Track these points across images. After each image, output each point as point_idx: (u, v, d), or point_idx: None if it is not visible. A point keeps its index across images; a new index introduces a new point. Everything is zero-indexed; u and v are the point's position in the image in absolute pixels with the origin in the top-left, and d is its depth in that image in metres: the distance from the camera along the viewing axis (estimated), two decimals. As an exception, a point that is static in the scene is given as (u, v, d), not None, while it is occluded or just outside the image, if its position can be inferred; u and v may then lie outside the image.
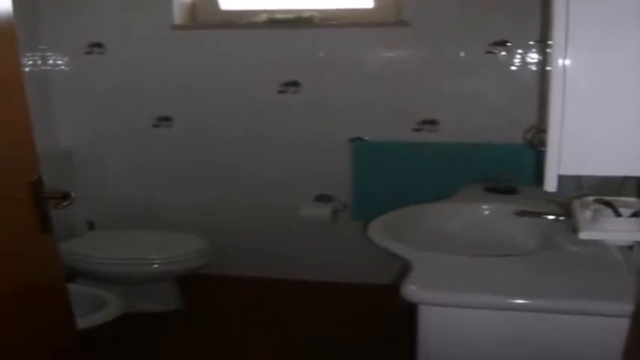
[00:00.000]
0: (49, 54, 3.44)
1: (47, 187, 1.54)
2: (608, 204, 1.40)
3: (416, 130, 3.15)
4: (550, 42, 1.25)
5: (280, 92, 3.24)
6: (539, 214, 1.89)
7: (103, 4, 3.33)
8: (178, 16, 3.31)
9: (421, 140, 3.14)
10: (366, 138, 3.21)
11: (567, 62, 1.22)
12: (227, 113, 3.34)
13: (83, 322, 2.03)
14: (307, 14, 3.20)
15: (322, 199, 3.36)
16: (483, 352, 1.51)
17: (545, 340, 1.45)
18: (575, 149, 1.26)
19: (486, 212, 2.24)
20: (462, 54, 3.02)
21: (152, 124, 3.43)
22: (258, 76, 3.25)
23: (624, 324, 1.36)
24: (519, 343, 1.47)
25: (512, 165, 2.79)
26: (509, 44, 2.96)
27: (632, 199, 1.45)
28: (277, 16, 3.22)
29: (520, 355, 1.48)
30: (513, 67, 2.98)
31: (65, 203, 1.60)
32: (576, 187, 1.77)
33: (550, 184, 1.29)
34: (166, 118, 3.42)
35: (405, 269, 1.63)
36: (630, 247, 1.52)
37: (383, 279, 3.15)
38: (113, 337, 2.70)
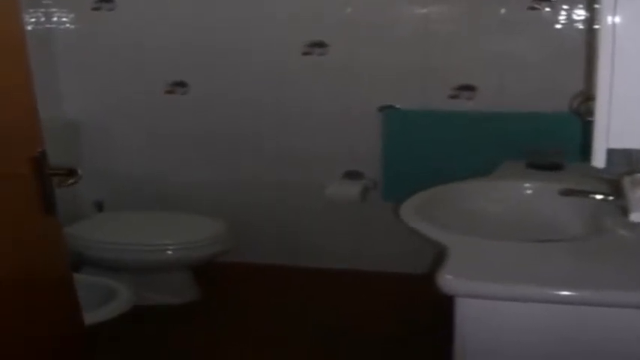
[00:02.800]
0: (53, 10, 3.41)
1: (51, 162, 1.51)
2: (663, 182, 1.36)
3: (452, 97, 3.10)
4: (598, -4, 1.21)
5: (305, 54, 3.20)
6: (586, 194, 1.84)
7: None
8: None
9: (458, 109, 3.09)
10: (398, 106, 3.17)
11: (617, 20, 1.19)
12: (247, 78, 3.30)
13: (90, 317, 2.03)
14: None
15: (351, 175, 3.32)
16: (525, 348, 1.49)
17: (592, 336, 1.42)
18: (626, 119, 1.24)
19: (529, 191, 2.21)
20: (503, 10, 2.96)
21: (165, 90, 3.41)
22: (281, 35, 3.21)
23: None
24: (565, 339, 1.44)
25: (556, 137, 2.75)
26: (553, -1, 2.89)
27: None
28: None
29: (566, 351, 1.45)
30: (558, 26, 2.91)
31: (71, 181, 1.58)
32: (627, 162, 1.72)
33: (598, 159, 1.27)
34: (181, 84, 3.40)
35: (440, 256, 1.61)
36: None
37: (417, 267, 3.12)
38: (121, 332, 2.71)
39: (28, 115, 1.48)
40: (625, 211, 1.40)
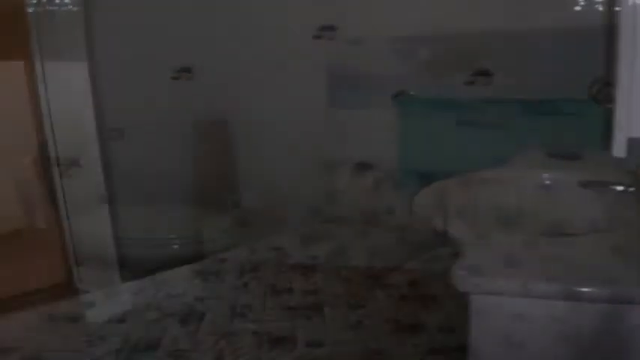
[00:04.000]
0: None
1: (53, 153, 1.50)
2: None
3: (468, 83, 3.09)
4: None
5: (316, 37, 3.20)
6: (605, 184, 1.82)
7: None
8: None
9: (474, 95, 3.09)
10: (412, 92, 3.15)
11: (638, 1, 1.15)
12: (254, 64, 3.31)
13: (94, 315, 2.04)
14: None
15: (362, 167, 3.31)
16: (544, 348, 1.47)
17: (612, 333, 1.40)
18: (647, 107, 1.20)
19: (547, 182, 2.18)
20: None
21: (171, 76, 3.42)
22: (290, 17, 3.22)
23: None
24: (583, 336, 1.43)
25: (575, 124, 2.74)
26: (573, -22, 2.87)
27: None
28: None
29: (587, 352, 1.44)
30: (577, 7, 2.90)
31: (74, 172, 1.58)
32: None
33: (619, 148, 1.25)
34: (187, 69, 3.40)
35: (454, 251, 1.60)
36: None
37: (428, 263, 3.10)
38: (123, 330, 2.70)
39: (29, 103, 1.48)
40: (645, 204, 1.39)
